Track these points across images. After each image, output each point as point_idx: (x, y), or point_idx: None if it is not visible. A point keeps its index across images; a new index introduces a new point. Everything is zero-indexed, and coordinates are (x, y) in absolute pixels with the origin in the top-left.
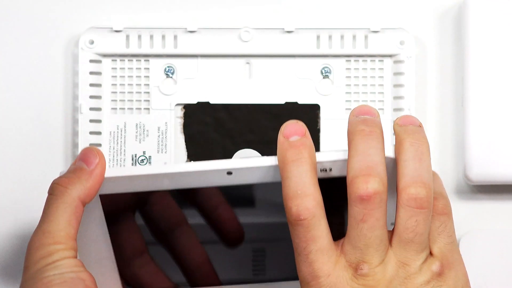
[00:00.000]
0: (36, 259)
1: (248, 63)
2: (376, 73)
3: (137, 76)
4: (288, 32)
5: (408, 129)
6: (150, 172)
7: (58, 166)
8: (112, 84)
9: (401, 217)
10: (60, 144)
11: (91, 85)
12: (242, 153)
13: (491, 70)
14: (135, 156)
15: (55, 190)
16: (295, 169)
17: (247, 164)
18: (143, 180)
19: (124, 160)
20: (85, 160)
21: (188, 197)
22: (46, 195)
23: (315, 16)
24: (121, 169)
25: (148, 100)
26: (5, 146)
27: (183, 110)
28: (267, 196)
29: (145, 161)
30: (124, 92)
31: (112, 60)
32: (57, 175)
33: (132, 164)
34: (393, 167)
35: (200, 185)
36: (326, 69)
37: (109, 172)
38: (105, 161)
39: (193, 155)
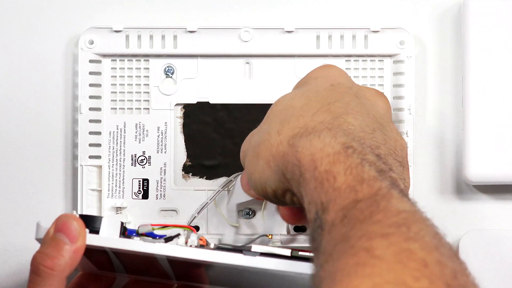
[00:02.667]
0: None
1: (248, 63)
2: (376, 73)
3: (137, 76)
4: (288, 32)
5: None
6: (129, 248)
7: (58, 166)
8: (112, 84)
9: None
10: (60, 144)
11: (91, 85)
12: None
13: (491, 70)
14: (135, 156)
15: (41, 272)
16: None
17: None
18: (120, 251)
19: (124, 160)
20: (66, 233)
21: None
22: (46, 195)
23: (315, 16)
24: (99, 239)
25: (148, 100)
26: (5, 146)
27: (183, 110)
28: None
29: (144, 161)
30: (124, 92)
31: (112, 60)
32: (56, 176)
33: (132, 165)
34: None
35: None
36: None
37: (90, 240)
38: (85, 229)
39: (192, 155)
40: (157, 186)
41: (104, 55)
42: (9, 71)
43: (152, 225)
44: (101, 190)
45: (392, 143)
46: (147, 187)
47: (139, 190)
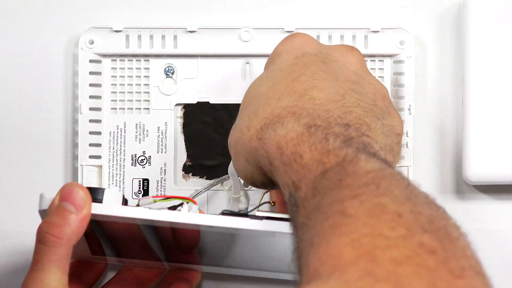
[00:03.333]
0: None
1: (248, 63)
2: (376, 73)
3: (137, 76)
4: (288, 32)
5: None
6: (133, 215)
7: (58, 166)
8: (112, 84)
9: None
10: (60, 144)
11: (91, 85)
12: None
13: (491, 70)
14: (135, 156)
15: (48, 241)
16: None
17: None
18: (124, 219)
19: (124, 160)
20: (71, 201)
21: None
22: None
23: (315, 16)
24: (103, 207)
25: (148, 100)
26: (5, 146)
27: (183, 110)
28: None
29: (144, 161)
30: (124, 92)
31: (112, 60)
32: (57, 175)
33: (132, 165)
34: None
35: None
36: None
37: (95, 209)
38: (90, 198)
39: (192, 155)
40: (157, 186)
41: (104, 55)
42: (9, 71)
43: (153, 197)
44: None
45: (371, 96)
46: (147, 187)
47: (139, 190)
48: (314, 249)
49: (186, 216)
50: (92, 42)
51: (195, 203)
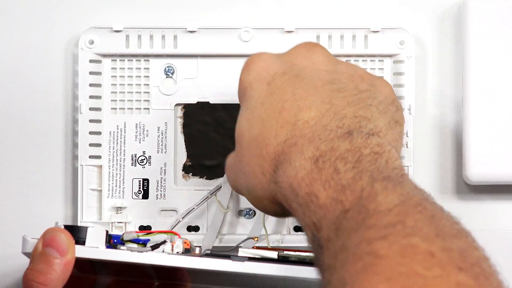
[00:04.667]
0: None
1: None
2: (376, 73)
3: (137, 76)
4: (288, 32)
5: None
6: (116, 258)
7: (58, 166)
8: (112, 84)
9: None
10: (60, 144)
11: (91, 85)
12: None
13: (491, 70)
14: (135, 156)
15: None
16: None
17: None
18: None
19: (124, 160)
20: (55, 247)
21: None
22: (46, 195)
23: (315, 16)
24: (88, 250)
25: (148, 100)
26: (5, 145)
27: (183, 110)
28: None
29: (144, 161)
30: (124, 92)
31: (112, 60)
32: (56, 176)
33: (132, 165)
34: None
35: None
36: None
37: (78, 252)
38: (73, 242)
39: (192, 155)
40: (157, 186)
41: (104, 55)
42: (9, 71)
43: (136, 232)
44: (101, 190)
45: (351, 86)
46: (147, 187)
47: (139, 190)
48: None
49: (168, 259)
50: (92, 42)
51: (179, 236)
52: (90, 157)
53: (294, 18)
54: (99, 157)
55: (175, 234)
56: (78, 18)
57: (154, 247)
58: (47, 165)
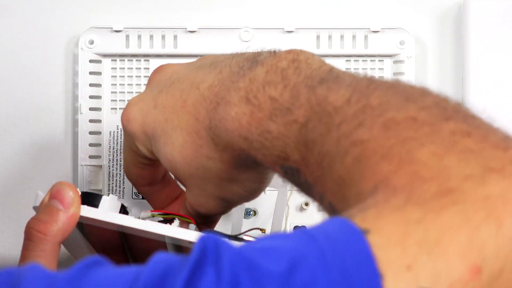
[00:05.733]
0: None
1: None
2: (376, 73)
3: (137, 76)
4: (288, 32)
5: None
6: (120, 223)
7: (58, 166)
8: (112, 84)
9: None
10: (60, 144)
11: (91, 85)
12: None
13: (491, 70)
14: None
15: (34, 237)
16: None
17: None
18: (112, 225)
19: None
20: (60, 199)
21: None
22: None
23: (315, 16)
24: (94, 211)
25: None
26: (5, 145)
27: None
28: None
29: None
30: (124, 92)
31: (112, 60)
32: (57, 175)
33: None
34: None
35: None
36: None
37: (84, 211)
38: (79, 198)
39: None
40: None
41: (104, 55)
42: (9, 71)
43: (152, 211)
44: (101, 190)
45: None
46: None
47: None
48: (347, 184)
49: (170, 230)
50: (92, 42)
51: (192, 221)
52: (90, 157)
53: (294, 18)
54: (99, 157)
55: (190, 219)
56: (78, 18)
57: (162, 221)
58: (47, 165)
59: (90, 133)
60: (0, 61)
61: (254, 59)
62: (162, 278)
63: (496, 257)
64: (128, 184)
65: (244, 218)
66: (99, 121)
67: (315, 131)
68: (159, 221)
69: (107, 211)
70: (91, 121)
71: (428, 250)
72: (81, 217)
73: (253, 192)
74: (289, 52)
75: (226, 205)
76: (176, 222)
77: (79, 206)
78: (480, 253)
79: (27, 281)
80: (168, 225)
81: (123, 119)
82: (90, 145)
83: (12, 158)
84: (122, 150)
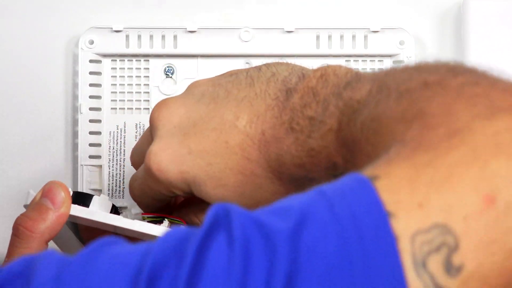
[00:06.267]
0: None
1: (248, 63)
2: None
3: (137, 76)
4: (288, 32)
5: None
6: (108, 222)
7: (58, 166)
8: (112, 84)
9: None
10: (60, 144)
11: (91, 85)
12: None
13: (490, 70)
14: None
15: (21, 233)
16: None
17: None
18: (103, 225)
19: (124, 160)
20: (51, 198)
21: None
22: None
23: (315, 16)
24: (83, 211)
25: (148, 100)
26: (5, 145)
27: None
28: None
29: None
30: (124, 92)
31: (112, 60)
32: (57, 175)
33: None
34: None
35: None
36: None
37: (73, 210)
38: (70, 198)
39: None
40: None
41: (104, 55)
42: (9, 71)
43: (142, 214)
44: (101, 190)
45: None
46: None
47: None
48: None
49: (159, 230)
50: (92, 42)
51: (183, 222)
52: (90, 157)
53: (294, 18)
54: (99, 157)
55: (181, 220)
56: (78, 18)
57: (151, 222)
58: (47, 165)
59: (90, 133)
60: (0, 61)
61: (286, 87)
62: (176, 246)
63: (510, 186)
64: (127, 184)
65: None
66: (99, 121)
67: (346, 130)
68: (149, 221)
69: (96, 211)
70: (91, 121)
71: (438, 188)
72: (71, 216)
73: None
74: (316, 70)
75: None
76: (166, 222)
77: (69, 206)
78: (492, 183)
79: (42, 265)
80: (157, 225)
81: (155, 169)
82: (90, 145)
83: (11, 158)
84: (124, 151)
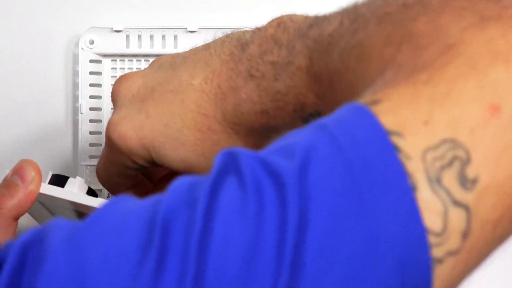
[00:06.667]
0: None
1: None
2: None
3: None
4: None
5: None
6: (77, 200)
7: (58, 166)
8: (112, 84)
9: None
10: (60, 144)
11: (91, 85)
12: None
13: None
14: None
15: None
16: None
17: None
18: (67, 202)
19: None
20: (20, 175)
21: None
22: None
23: None
24: (50, 189)
25: None
26: (6, 145)
27: None
28: None
29: None
30: None
31: (112, 60)
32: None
33: None
34: None
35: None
36: None
37: (42, 189)
38: (40, 176)
39: None
40: None
41: (105, 55)
42: (9, 71)
43: None
44: (101, 190)
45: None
46: None
47: None
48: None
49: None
50: (92, 42)
51: None
52: (90, 157)
53: None
54: (99, 157)
55: None
56: (78, 18)
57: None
58: (48, 165)
59: (90, 133)
60: (0, 61)
61: (240, 42)
62: (187, 192)
63: None
64: None
65: None
66: (99, 121)
67: (320, 64)
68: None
69: (64, 190)
70: (91, 121)
71: (441, 103)
72: (42, 194)
73: None
74: (272, 21)
75: None
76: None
77: (38, 184)
78: (495, 92)
79: (53, 231)
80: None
81: (115, 137)
82: (90, 145)
83: (12, 158)
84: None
